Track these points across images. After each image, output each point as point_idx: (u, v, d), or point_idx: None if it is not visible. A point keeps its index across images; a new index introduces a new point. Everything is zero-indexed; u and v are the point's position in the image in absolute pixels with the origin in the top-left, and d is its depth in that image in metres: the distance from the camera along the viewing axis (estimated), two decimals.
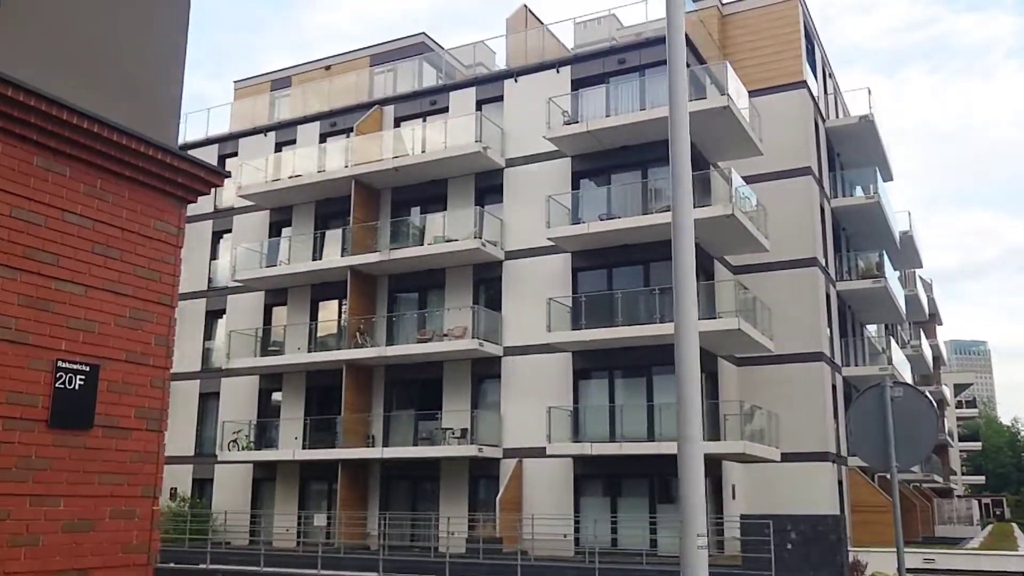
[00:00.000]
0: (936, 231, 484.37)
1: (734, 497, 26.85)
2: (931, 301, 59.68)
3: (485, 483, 27.07)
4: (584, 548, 23.33)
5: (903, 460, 7.82)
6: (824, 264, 29.99)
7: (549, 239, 26.21)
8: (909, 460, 7.91)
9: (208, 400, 33.03)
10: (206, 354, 33.41)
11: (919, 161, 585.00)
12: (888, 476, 31.38)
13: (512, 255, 28.19)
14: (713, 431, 25.01)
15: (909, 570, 22.01)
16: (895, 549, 20.46)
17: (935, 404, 9.65)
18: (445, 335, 27.75)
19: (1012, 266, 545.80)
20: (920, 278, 49.98)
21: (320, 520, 28.30)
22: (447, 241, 28.04)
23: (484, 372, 27.90)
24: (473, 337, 26.92)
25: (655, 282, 25.66)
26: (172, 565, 24.35)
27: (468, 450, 26.09)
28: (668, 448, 23.53)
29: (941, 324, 71.47)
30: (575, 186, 27.38)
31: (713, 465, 25.65)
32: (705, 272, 26.60)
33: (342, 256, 29.68)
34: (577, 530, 24.75)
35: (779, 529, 18.97)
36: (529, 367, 27.01)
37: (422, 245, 28.68)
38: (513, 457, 26.59)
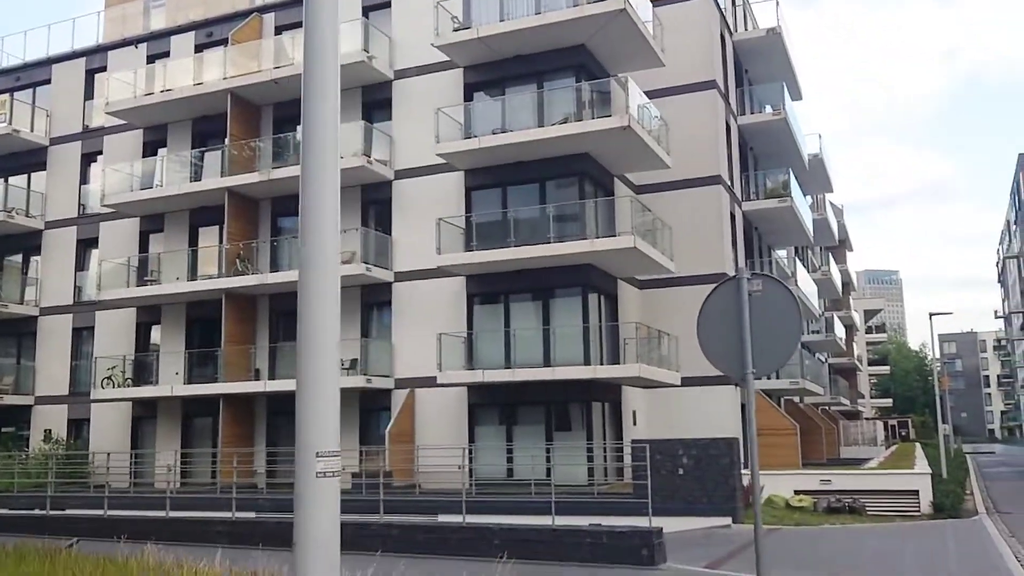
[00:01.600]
0: (849, 163, 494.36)
1: (635, 423, 26.07)
2: (842, 227, 59.88)
3: (377, 415, 25.74)
4: (478, 480, 22.33)
5: (762, 365, 6.62)
6: (729, 183, 28.98)
7: (439, 155, 24.52)
8: (768, 365, 6.72)
9: (82, 336, 30.79)
10: (78, 287, 31.00)
11: (836, 92, 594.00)
12: (797, 400, 31.06)
13: (402, 174, 26.47)
14: (612, 355, 24.04)
15: (806, 492, 21.54)
16: (795, 471, 19.70)
17: (799, 300, 8.45)
18: None
19: (924, 198, 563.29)
20: (831, 204, 49.78)
21: (201, 460, 26.65)
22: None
23: (374, 299, 26.35)
24: (362, 262, 25.26)
25: (551, 201, 24.31)
26: (39, 512, 22.47)
27: (356, 381, 24.63)
28: (564, 374, 22.49)
29: (852, 251, 72.16)
30: (468, 98, 25.63)
31: (612, 390, 24.75)
32: (604, 190, 25.33)
33: (221, 177, 27.48)
34: (471, 461, 23.60)
35: (672, 454, 18.07)
36: (421, 293, 25.55)
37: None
38: (405, 388, 25.27)
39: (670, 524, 16.30)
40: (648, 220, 25.24)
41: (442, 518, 19.37)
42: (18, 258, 32.68)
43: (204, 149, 28.98)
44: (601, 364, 23.13)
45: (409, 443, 24.11)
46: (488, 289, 24.83)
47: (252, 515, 16.98)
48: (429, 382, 24.28)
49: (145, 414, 28.92)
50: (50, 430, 30.19)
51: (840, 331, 50.69)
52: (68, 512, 20.55)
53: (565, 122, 23.56)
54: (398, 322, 25.89)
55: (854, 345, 66.56)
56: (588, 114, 23.57)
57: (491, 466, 23.55)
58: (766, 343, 6.52)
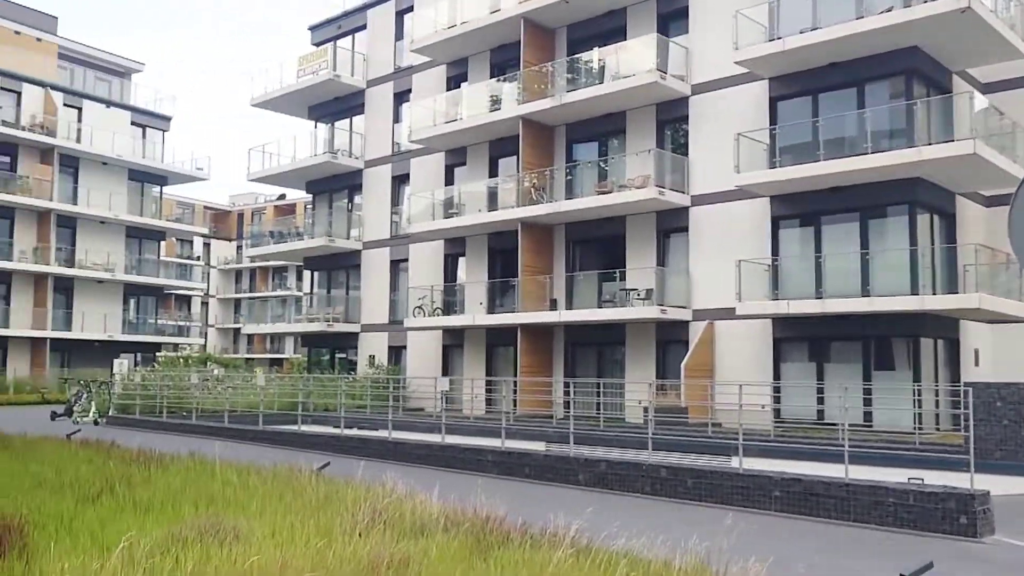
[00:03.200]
0: None
1: (977, 364, 22.24)
2: None
3: (674, 348, 24.30)
4: (782, 421, 20.26)
5: None
6: None
7: (740, 63, 22.12)
8: None
9: (399, 268, 32.44)
10: (394, 221, 32.60)
11: None
12: None
13: (699, 88, 24.36)
14: (948, 284, 20.50)
15: None
16: None
17: None
18: (624, 186, 24.74)
19: None
20: None
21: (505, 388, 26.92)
22: (624, 78, 24.63)
23: (670, 225, 24.74)
24: (656, 186, 23.72)
25: (870, 106, 21.02)
26: (356, 431, 23.99)
27: (651, 312, 23.36)
28: (885, 305, 19.55)
29: None
30: None
31: (947, 324, 21.20)
32: (938, 88, 21.43)
33: (517, 106, 27.12)
34: (777, 401, 21.44)
35: (1018, 401, 14.81)
36: (720, 217, 23.51)
37: (601, 83, 25.35)
38: (703, 319, 23.54)
39: (1011, 486, 13.38)
40: (997, 124, 21.05)
41: (734, 461, 17.75)
42: (344, 197, 35.13)
43: (500, 78, 28.82)
44: (933, 294, 19.76)
45: (706, 378, 22.47)
46: (795, 211, 22.22)
47: (522, 445, 16.42)
48: (729, 314, 22.37)
49: (454, 342, 29.91)
50: (373, 356, 32.36)
51: None
52: (358, 432, 21.09)
53: (890, 11, 20.07)
54: (695, 249, 24.10)
55: None
56: None
57: (798, 406, 21.26)
58: None
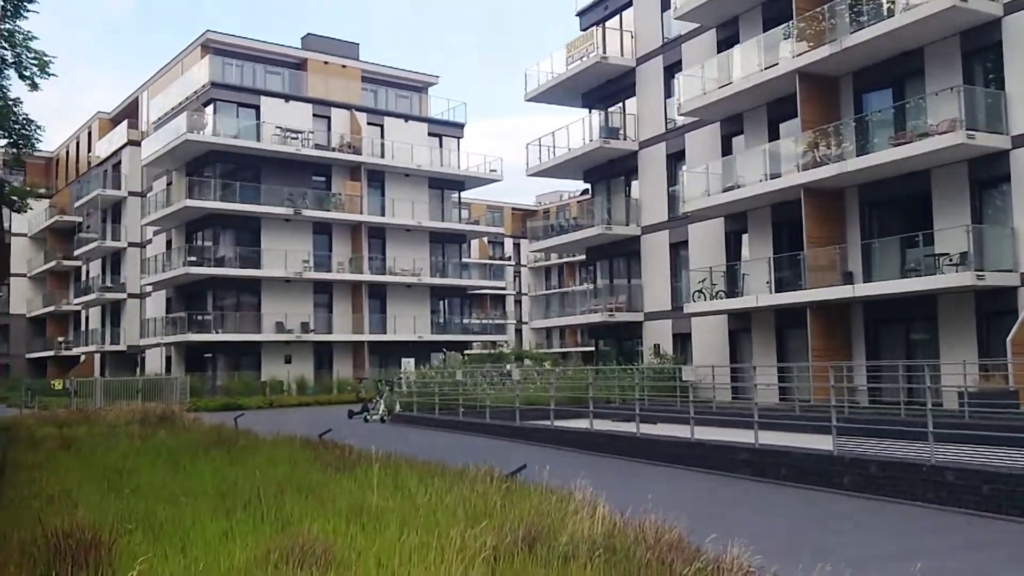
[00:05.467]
0: None
1: None
2: None
3: (999, 321, 20.27)
4: None
5: None
6: None
7: None
8: None
9: (679, 251, 30.65)
10: (672, 200, 30.82)
11: None
12: None
13: (1012, 6, 20.13)
14: None
15: None
16: None
17: None
18: (925, 134, 21.07)
19: None
20: None
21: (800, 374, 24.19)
22: (916, 7, 20.99)
23: (986, 175, 20.74)
24: (965, 129, 19.92)
25: None
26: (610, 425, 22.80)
27: (963, 279, 19.65)
28: None
29: None
30: None
31: None
32: None
33: (792, 59, 24.29)
34: None
35: None
36: None
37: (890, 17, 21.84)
38: None
39: None
40: None
41: None
42: (620, 182, 33.96)
43: (772, 32, 26.03)
44: None
45: None
46: None
47: (797, 441, 14.07)
48: None
49: (740, 327, 27.61)
50: (658, 345, 30.86)
51: None
52: (601, 429, 19.52)
53: None
54: (1021, 200, 19.92)
55: None
56: None
57: None
58: None
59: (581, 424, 17.82)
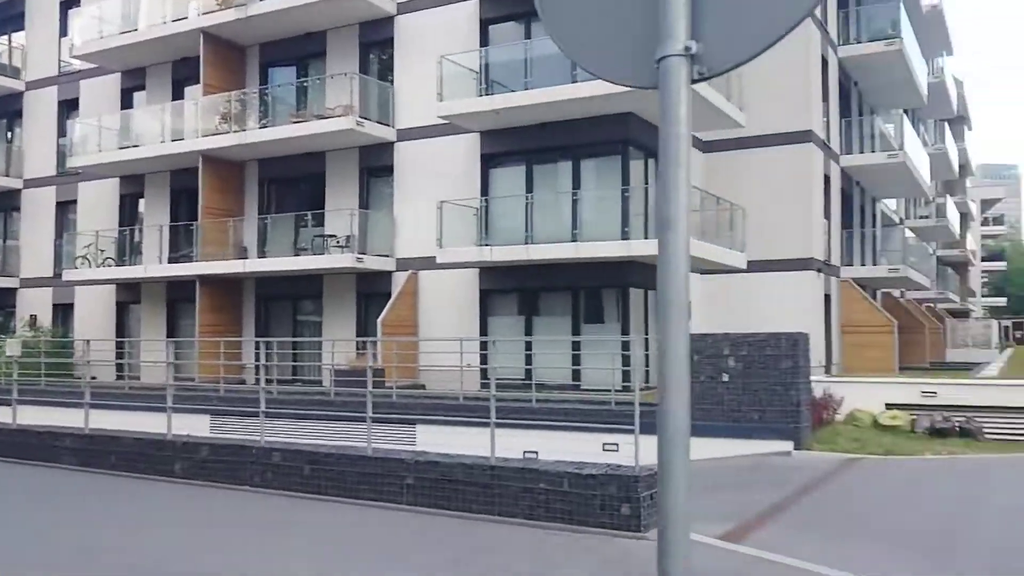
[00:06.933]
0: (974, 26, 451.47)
1: (689, 316, 21.15)
2: (961, 100, 51.78)
3: (376, 302, 21.52)
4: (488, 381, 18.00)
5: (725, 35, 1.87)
6: (822, 21, 22.98)
7: None
8: (744, 34, 1.96)
9: (67, 210, 27.34)
10: (62, 154, 27.31)
11: None
12: (896, 294, 24.77)
13: (406, 7, 21.49)
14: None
15: (903, 406, 16.49)
16: (889, 379, 14.41)
17: None
18: (322, 116, 21.43)
19: None
20: (953, 77, 42.28)
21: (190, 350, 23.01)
22: None
23: (373, 162, 21.84)
24: (359, 116, 20.64)
25: None
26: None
27: (344, 260, 20.41)
28: (592, 251, 17.72)
29: (971, 129, 63.22)
30: None
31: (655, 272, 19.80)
32: None
33: (199, 18, 22.97)
34: (484, 360, 19.23)
35: (716, 354, 13.29)
36: (429, 155, 20.89)
37: None
38: (408, 269, 20.93)
39: (707, 449, 11.71)
40: None
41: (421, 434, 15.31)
42: (2, 125, 29.25)
43: None
44: (645, 239, 18.16)
45: (408, 335, 19.93)
46: (505, 148, 19.97)
47: (178, 422, 12.88)
48: (433, 263, 19.87)
49: (129, 299, 25.49)
50: (35, 316, 27.16)
51: (954, 217, 43.76)
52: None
53: None
54: (401, 190, 21.38)
55: (967, 237, 59.04)
56: None
57: (506, 367, 19.16)
58: None
59: None
